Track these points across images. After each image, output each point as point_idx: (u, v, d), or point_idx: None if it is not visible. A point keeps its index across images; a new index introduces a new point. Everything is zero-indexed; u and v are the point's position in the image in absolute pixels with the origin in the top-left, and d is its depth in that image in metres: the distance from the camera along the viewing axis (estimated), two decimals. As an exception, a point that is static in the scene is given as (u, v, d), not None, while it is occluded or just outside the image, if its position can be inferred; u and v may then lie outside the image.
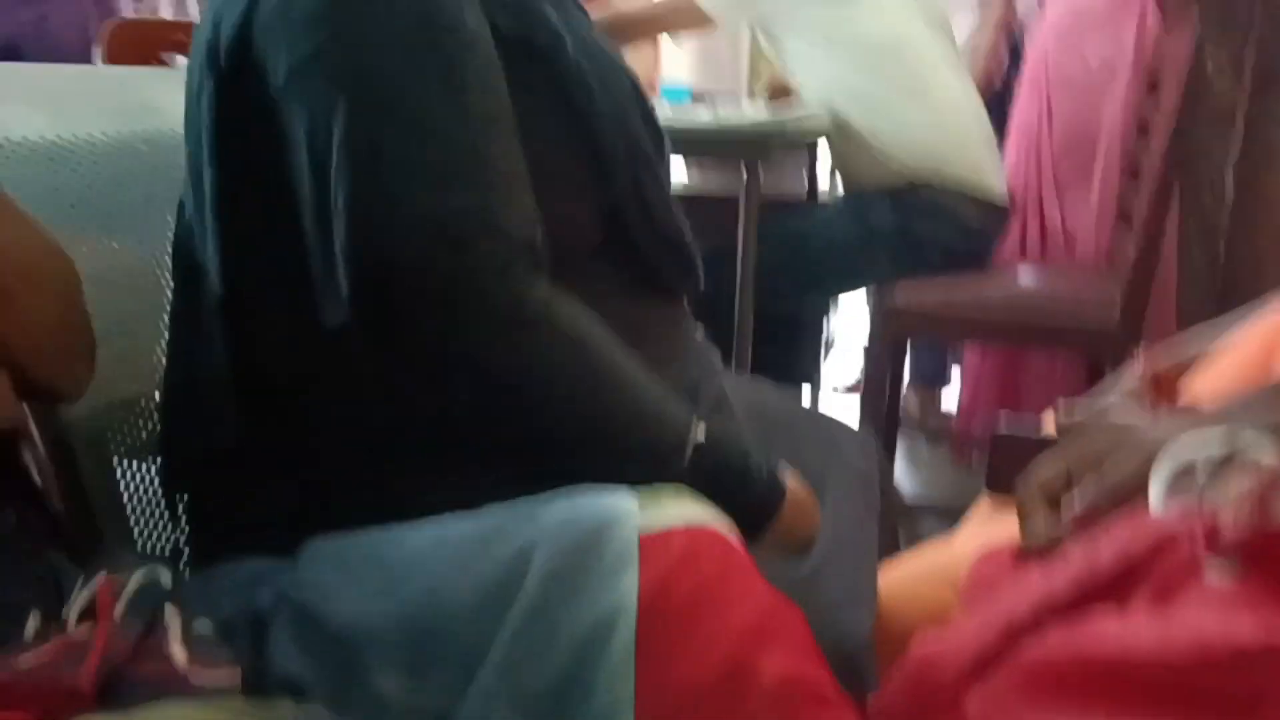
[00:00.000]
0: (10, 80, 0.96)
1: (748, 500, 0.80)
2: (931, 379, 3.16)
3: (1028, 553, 0.66)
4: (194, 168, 0.84)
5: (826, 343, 2.83)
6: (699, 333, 1.02)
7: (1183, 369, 1.05)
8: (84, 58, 2.24)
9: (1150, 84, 2.08)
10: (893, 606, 0.92)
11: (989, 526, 1.04)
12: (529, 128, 0.79)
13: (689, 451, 0.77)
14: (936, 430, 2.95)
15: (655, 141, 0.91)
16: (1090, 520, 0.63)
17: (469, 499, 0.71)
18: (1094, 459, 0.66)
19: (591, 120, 0.83)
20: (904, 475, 2.62)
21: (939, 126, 1.99)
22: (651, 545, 0.62)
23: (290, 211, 0.77)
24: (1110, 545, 0.55)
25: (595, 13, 2.18)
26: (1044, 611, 0.53)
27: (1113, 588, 0.53)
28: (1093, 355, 2.05)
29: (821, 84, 2.03)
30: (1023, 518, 0.68)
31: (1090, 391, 1.01)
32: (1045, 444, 0.92)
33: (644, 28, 2.32)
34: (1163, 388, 1.04)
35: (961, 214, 2.00)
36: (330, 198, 0.73)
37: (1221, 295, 2.27)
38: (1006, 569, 0.68)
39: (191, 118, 0.84)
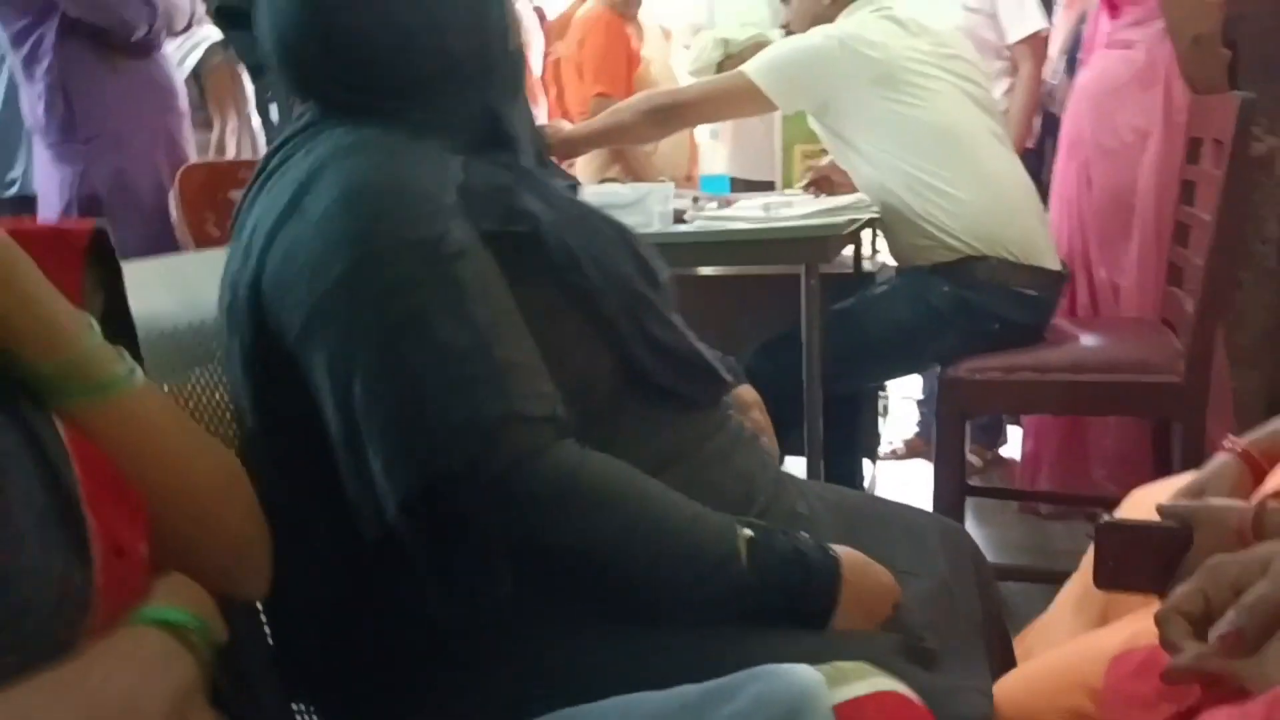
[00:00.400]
0: (152, 275, 1.03)
1: (808, 581, 0.85)
2: (990, 436, 3.19)
3: (1176, 675, 0.69)
4: (236, 407, 0.89)
5: (883, 413, 2.84)
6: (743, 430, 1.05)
7: (1274, 451, 1.07)
8: (159, 203, 2.36)
9: (1189, 144, 2.12)
10: (1023, 710, 0.94)
11: (1103, 624, 1.06)
12: (531, 312, 0.84)
13: (743, 553, 0.82)
14: (1000, 486, 2.98)
15: (650, 279, 0.96)
16: (1235, 644, 0.67)
17: (572, 650, 0.77)
18: (1233, 584, 0.70)
19: (584, 288, 0.88)
20: (972, 534, 2.62)
21: (990, 201, 2.01)
22: (846, 715, 0.65)
23: (326, 443, 0.81)
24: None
25: (653, 98, 2.22)
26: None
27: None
28: (1158, 409, 2.06)
29: (874, 168, 2.05)
30: (1165, 640, 0.71)
31: (1192, 488, 1.03)
32: (1151, 532, 0.95)
33: (702, 111, 2.29)
34: (1257, 472, 1.07)
35: (1017, 283, 2.02)
36: (358, 430, 0.77)
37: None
38: (1154, 688, 0.71)
39: (225, 364, 0.89)
